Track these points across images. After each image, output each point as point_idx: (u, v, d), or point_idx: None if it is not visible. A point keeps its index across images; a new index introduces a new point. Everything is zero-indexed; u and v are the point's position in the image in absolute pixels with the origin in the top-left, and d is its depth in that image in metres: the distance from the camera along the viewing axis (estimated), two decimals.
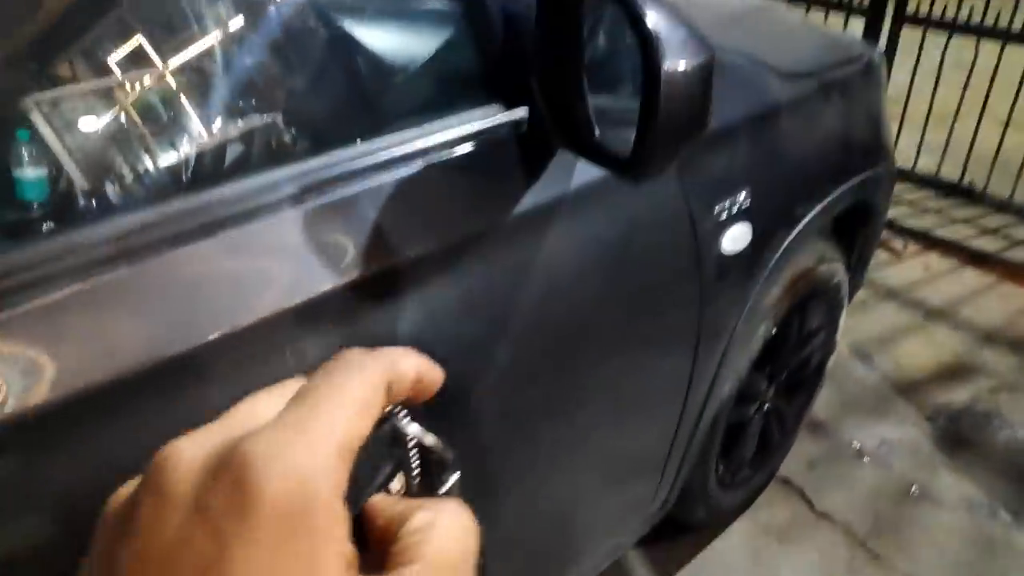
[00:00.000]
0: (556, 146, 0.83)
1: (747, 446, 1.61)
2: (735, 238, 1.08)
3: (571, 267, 0.88)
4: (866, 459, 1.86)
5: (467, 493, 0.32)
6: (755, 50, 1.21)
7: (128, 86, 1.28)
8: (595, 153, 0.73)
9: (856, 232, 1.68)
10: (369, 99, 0.91)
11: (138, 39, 1.48)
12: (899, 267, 2.59)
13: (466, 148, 0.78)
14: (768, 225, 1.16)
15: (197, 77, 1.13)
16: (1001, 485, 1.78)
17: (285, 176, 0.67)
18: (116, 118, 1.29)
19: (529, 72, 0.77)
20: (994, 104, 2.66)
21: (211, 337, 0.58)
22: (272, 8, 1.11)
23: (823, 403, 2.00)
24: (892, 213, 2.83)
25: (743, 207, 1.08)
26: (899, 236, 2.72)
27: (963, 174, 2.85)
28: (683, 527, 1.63)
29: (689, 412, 1.21)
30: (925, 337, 2.26)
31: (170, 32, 1.49)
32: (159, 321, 0.56)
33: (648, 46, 0.59)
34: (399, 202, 0.73)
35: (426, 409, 0.30)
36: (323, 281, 0.66)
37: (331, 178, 0.68)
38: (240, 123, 0.99)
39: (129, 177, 0.77)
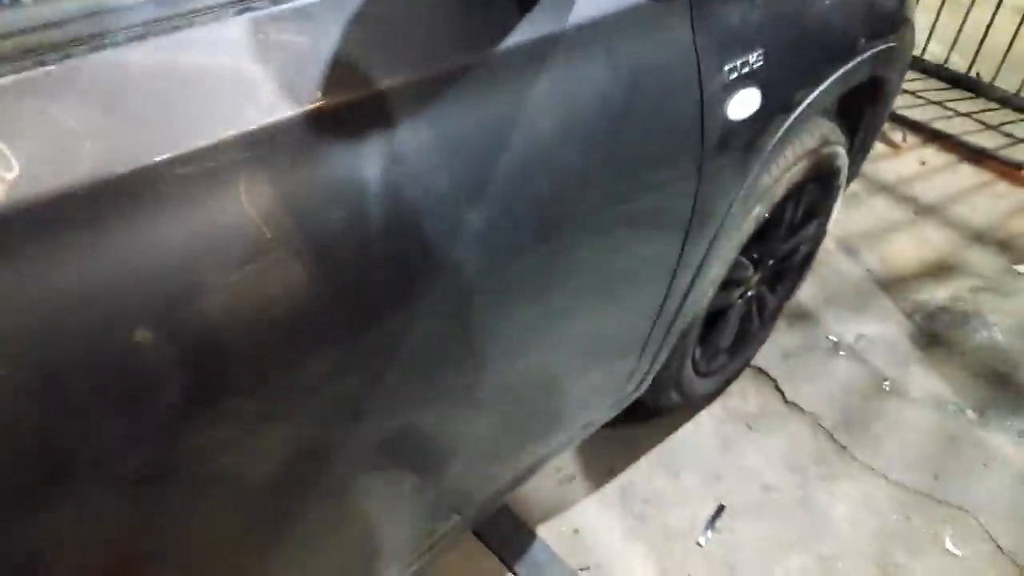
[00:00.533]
0: None
1: (726, 333, 1.57)
2: (743, 103, 0.97)
3: (562, 116, 0.77)
4: (841, 353, 1.84)
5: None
6: None
7: None
8: None
9: (863, 113, 1.57)
10: None
11: None
12: (895, 160, 2.50)
13: None
14: (778, 93, 1.05)
15: None
16: (971, 384, 1.78)
17: None
18: None
19: None
20: None
21: (158, 159, 0.49)
22: None
23: (804, 295, 1.96)
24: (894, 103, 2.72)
25: (755, 69, 0.97)
26: (899, 128, 2.60)
27: (971, 65, 2.71)
28: (654, 411, 1.61)
29: (674, 292, 1.14)
30: (913, 234, 2.20)
31: None
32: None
33: None
34: (373, 22, 0.61)
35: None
36: (280, 107, 0.55)
37: None
38: None
39: None
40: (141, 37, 0.51)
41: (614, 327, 1.11)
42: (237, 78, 0.54)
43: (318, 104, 0.57)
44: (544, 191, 0.80)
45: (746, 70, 0.95)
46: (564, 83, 0.76)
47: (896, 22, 1.35)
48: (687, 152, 0.94)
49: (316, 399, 0.68)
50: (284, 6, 0.57)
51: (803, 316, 1.92)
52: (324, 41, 0.59)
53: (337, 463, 0.78)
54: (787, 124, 1.11)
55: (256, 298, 0.58)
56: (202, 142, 0.52)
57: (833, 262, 2.08)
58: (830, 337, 1.88)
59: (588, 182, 0.84)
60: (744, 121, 0.99)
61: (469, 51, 0.67)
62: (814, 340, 1.87)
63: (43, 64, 0.47)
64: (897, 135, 2.57)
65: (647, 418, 1.63)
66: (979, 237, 2.19)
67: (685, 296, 1.18)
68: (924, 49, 2.81)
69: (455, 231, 0.72)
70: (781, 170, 1.26)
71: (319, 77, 0.58)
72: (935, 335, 1.90)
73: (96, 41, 0.50)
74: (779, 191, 1.30)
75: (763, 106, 1.00)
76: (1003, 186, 2.39)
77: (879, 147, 2.54)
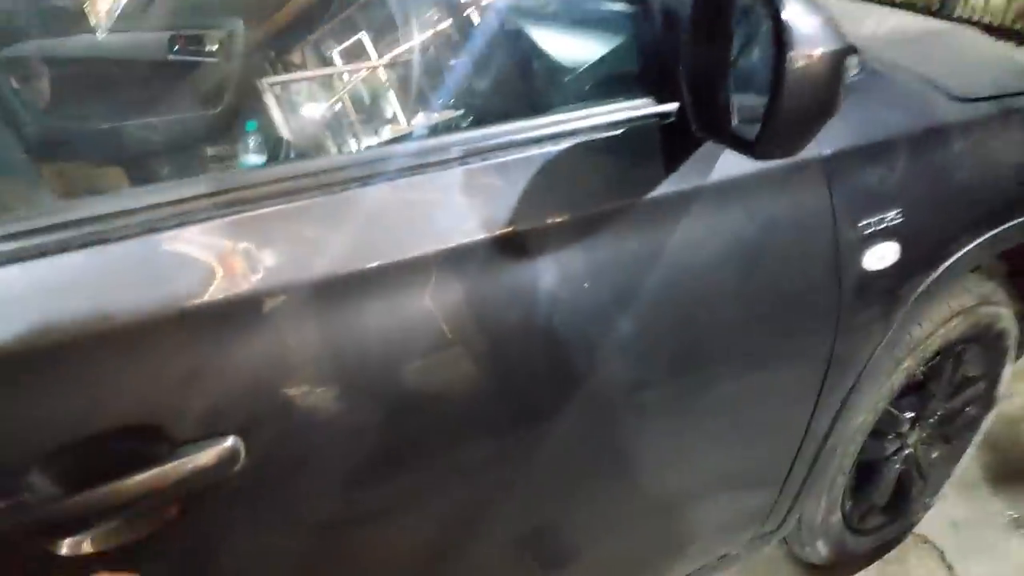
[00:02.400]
0: (700, 139, 0.87)
1: (880, 488, 1.53)
2: (880, 256, 1.05)
3: (703, 258, 0.91)
4: (1020, 533, 1.70)
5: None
6: (929, 70, 1.18)
7: (346, 76, 1.49)
8: (730, 138, 0.77)
9: None
10: (541, 87, 1.02)
11: (360, 36, 1.69)
12: None
13: (616, 132, 0.84)
14: (918, 248, 1.12)
15: (403, 71, 1.30)
16: None
17: (464, 139, 0.77)
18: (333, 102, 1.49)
19: (680, 67, 0.83)
20: None
21: (374, 264, 0.70)
22: (464, 14, 1.26)
23: (981, 464, 1.85)
24: None
25: (893, 224, 1.06)
26: None
27: None
28: (806, 565, 1.58)
29: (814, 433, 1.18)
30: None
31: (380, 33, 1.69)
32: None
33: (778, 33, 0.63)
34: (551, 172, 0.81)
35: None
36: (474, 231, 0.75)
37: (502, 144, 0.78)
38: (432, 107, 1.13)
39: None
40: (389, 179, 0.74)
41: (751, 460, 1.18)
42: (451, 209, 0.75)
43: (505, 231, 0.76)
44: (685, 325, 0.94)
45: (883, 225, 1.05)
46: (704, 228, 0.90)
47: None
48: (823, 294, 1.03)
49: (466, 485, 0.83)
50: (490, 161, 0.78)
51: (978, 486, 1.80)
52: (515, 187, 0.79)
53: (474, 550, 0.91)
54: (931, 279, 1.16)
55: (430, 384, 0.76)
56: (413, 254, 0.72)
57: (1018, 433, 1.95)
58: (1009, 513, 1.74)
59: (725, 314, 0.96)
60: (881, 272, 1.07)
61: (623, 197, 0.85)
62: (990, 514, 1.74)
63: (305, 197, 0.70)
64: None
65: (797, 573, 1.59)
66: None
67: (825, 437, 1.21)
68: None
69: (603, 349, 0.87)
70: (933, 325, 1.29)
71: (508, 211, 0.77)
72: None
73: (351, 182, 0.72)
74: (932, 346, 1.32)
75: (902, 259, 1.08)
76: None
77: None
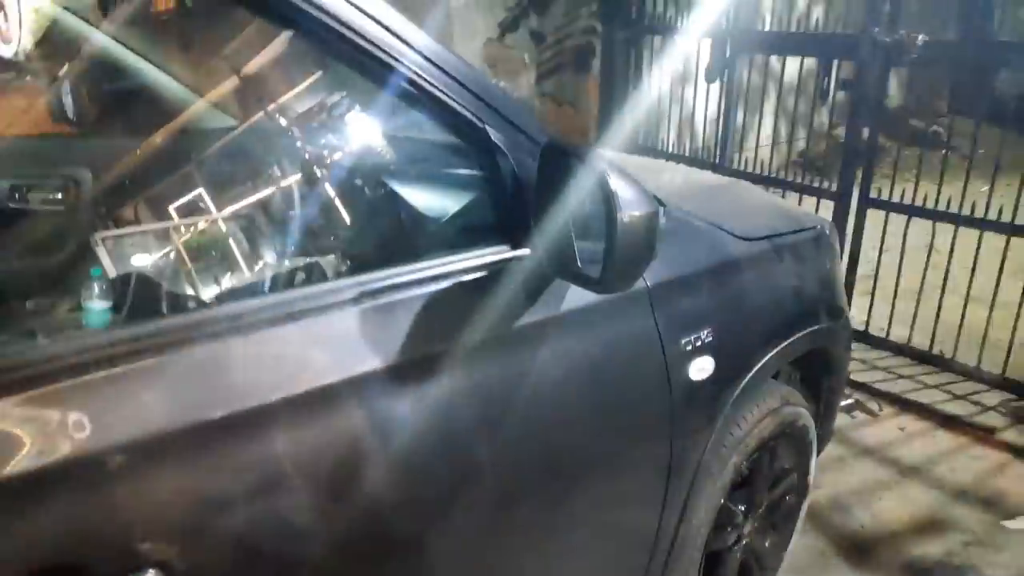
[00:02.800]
0: (550, 278, 1.05)
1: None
2: (700, 368, 1.27)
3: (559, 376, 1.07)
4: None
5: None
6: (718, 216, 1.48)
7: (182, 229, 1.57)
8: (577, 277, 0.95)
9: (821, 381, 1.87)
10: (408, 238, 1.17)
11: (198, 191, 1.80)
12: (875, 427, 2.74)
13: (479, 275, 1.00)
14: (729, 360, 1.36)
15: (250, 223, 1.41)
16: None
17: (343, 286, 0.89)
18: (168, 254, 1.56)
19: (531, 220, 1.02)
20: (956, 279, 2.93)
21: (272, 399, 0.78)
22: (325, 169, 1.41)
23: (803, 550, 2.09)
24: (868, 378, 3.03)
25: (707, 342, 1.29)
26: (874, 399, 2.89)
27: (931, 343, 3.07)
28: None
29: (665, 529, 1.34)
30: (900, 493, 2.37)
31: (228, 187, 1.81)
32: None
33: (609, 199, 0.83)
34: (426, 311, 0.94)
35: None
36: (362, 364, 0.86)
37: (380, 289, 0.90)
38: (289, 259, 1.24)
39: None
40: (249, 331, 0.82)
41: (612, 559, 1.30)
42: (328, 348, 0.85)
43: (391, 362, 0.88)
44: (543, 440, 1.08)
45: (699, 343, 1.27)
46: (558, 350, 1.07)
47: (827, 307, 1.71)
48: (660, 405, 1.22)
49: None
50: (365, 304, 0.90)
51: (803, 569, 2.03)
52: (391, 327, 0.91)
53: None
54: (742, 385, 1.40)
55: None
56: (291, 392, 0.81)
57: (827, 518, 2.23)
58: None
59: (580, 422, 1.12)
60: (703, 382, 1.29)
61: (493, 329, 0.99)
62: None
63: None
64: (874, 405, 2.85)
65: None
66: (963, 495, 2.35)
67: (675, 533, 1.37)
68: (888, 332, 3.20)
69: (473, 467, 0.99)
70: (750, 425, 1.52)
71: (394, 345, 0.89)
72: None
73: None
74: (751, 443, 1.55)
75: (717, 370, 1.31)
76: (979, 449, 2.60)
77: (859, 416, 2.80)
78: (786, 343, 1.52)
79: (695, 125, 4.20)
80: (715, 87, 4.00)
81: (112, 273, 1.46)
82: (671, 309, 1.24)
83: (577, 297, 1.08)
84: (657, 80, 4.16)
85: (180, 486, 0.73)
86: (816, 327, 1.64)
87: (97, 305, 1.25)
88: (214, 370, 0.77)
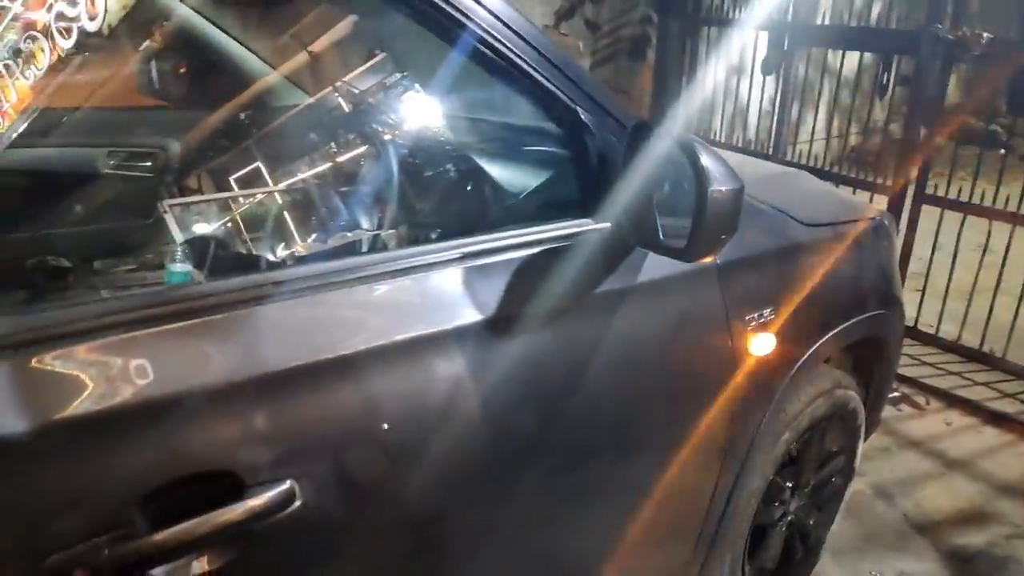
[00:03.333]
0: (626, 251, 1.13)
1: (771, 552, 1.77)
2: (762, 344, 1.34)
3: (632, 341, 1.15)
4: None
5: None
6: (782, 203, 1.54)
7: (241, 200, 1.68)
8: (660, 247, 1.03)
9: (872, 368, 1.92)
10: (494, 210, 1.26)
11: (257, 165, 1.91)
12: (922, 421, 2.77)
13: (564, 244, 1.08)
14: (789, 339, 1.42)
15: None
16: None
17: (447, 247, 0.98)
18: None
19: (612, 195, 1.10)
20: (1009, 280, 2.93)
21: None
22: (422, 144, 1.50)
23: (846, 534, 2.14)
24: (915, 372, 3.05)
25: (769, 320, 1.36)
26: (922, 393, 2.91)
27: (982, 342, 3.07)
28: None
29: (719, 495, 1.42)
30: (945, 484, 2.40)
31: (287, 161, 1.92)
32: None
33: (700, 174, 0.91)
34: (517, 275, 1.03)
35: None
36: (456, 317, 0.95)
37: (478, 252, 0.99)
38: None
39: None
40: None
41: (669, 518, 1.38)
42: (435, 302, 0.95)
43: (476, 320, 0.97)
44: (621, 402, 1.17)
45: (762, 320, 1.34)
46: (634, 318, 1.15)
47: (884, 295, 1.76)
48: (722, 375, 1.29)
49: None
50: (468, 264, 1.00)
51: (846, 552, 2.08)
52: (493, 286, 1.00)
53: None
54: (799, 364, 1.47)
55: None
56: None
57: (870, 505, 2.28)
58: (872, 572, 2.02)
59: (653, 397, 1.20)
60: (764, 358, 1.36)
61: (575, 295, 1.08)
62: (858, 574, 2.02)
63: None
64: (921, 399, 2.87)
65: None
66: (1009, 490, 2.37)
67: (728, 500, 1.45)
68: (937, 329, 3.20)
69: (558, 423, 1.08)
70: (803, 403, 1.59)
71: (481, 305, 0.98)
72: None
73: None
74: (804, 422, 1.61)
75: (777, 347, 1.38)
76: None
77: (906, 409, 2.83)
78: (842, 327, 1.57)
79: (748, 117, 4.22)
80: (769, 80, 4.01)
81: (178, 237, 1.57)
82: (737, 286, 1.31)
83: (651, 269, 1.16)
84: (711, 71, 4.19)
85: (304, 416, 0.83)
86: (872, 314, 1.69)
87: (178, 268, 1.37)
88: (340, 314, 0.87)
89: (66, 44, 1.17)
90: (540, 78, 1.04)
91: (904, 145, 3.31)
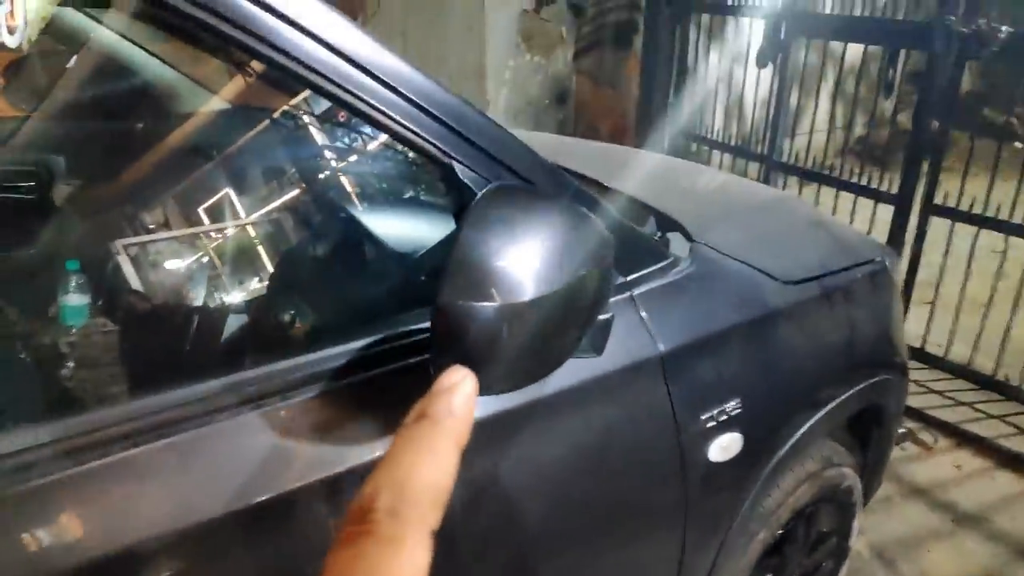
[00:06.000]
0: None
1: None
2: (724, 447, 1.05)
3: (548, 471, 0.87)
4: None
5: None
6: (758, 253, 1.24)
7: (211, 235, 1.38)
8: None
9: (870, 432, 1.63)
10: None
11: (225, 193, 1.59)
12: (929, 463, 2.47)
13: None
14: (762, 433, 1.13)
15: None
16: None
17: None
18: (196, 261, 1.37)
19: None
20: None
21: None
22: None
23: None
24: (922, 402, 2.75)
25: (733, 415, 1.06)
26: (929, 429, 2.61)
27: (996, 367, 2.77)
28: None
29: None
30: (953, 545, 2.11)
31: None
32: None
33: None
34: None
35: None
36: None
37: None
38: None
39: None
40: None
41: None
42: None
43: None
44: (539, 528, 0.88)
45: (724, 417, 1.05)
46: (545, 441, 0.86)
47: (883, 357, 1.46)
48: (669, 494, 1.01)
49: None
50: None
51: None
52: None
53: None
54: (778, 457, 1.18)
55: None
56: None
57: (869, 571, 2.00)
58: None
59: (576, 520, 0.92)
60: (727, 463, 1.06)
61: None
62: None
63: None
64: (928, 436, 2.57)
65: None
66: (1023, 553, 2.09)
67: None
68: (947, 351, 2.90)
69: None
70: (783, 495, 1.30)
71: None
72: None
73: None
74: (784, 514, 1.32)
75: (746, 448, 1.08)
76: None
77: (912, 449, 2.53)
78: (834, 404, 1.28)
79: (744, 109, 3.89)
80: (768, 70, 3.68)
81: (136, 283, 1.31)
82: (690, 379, 1.02)
83: (571, 373, 0.87)
84: (704, 61, 3.85)
85: None
86: (870, 381, 1.39)
87: (74, 301, 1.14)
88: None
89: None
90: (392, 121, 0.74)
91: (913, 145, 2.97)
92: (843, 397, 1.30)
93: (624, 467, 0.96)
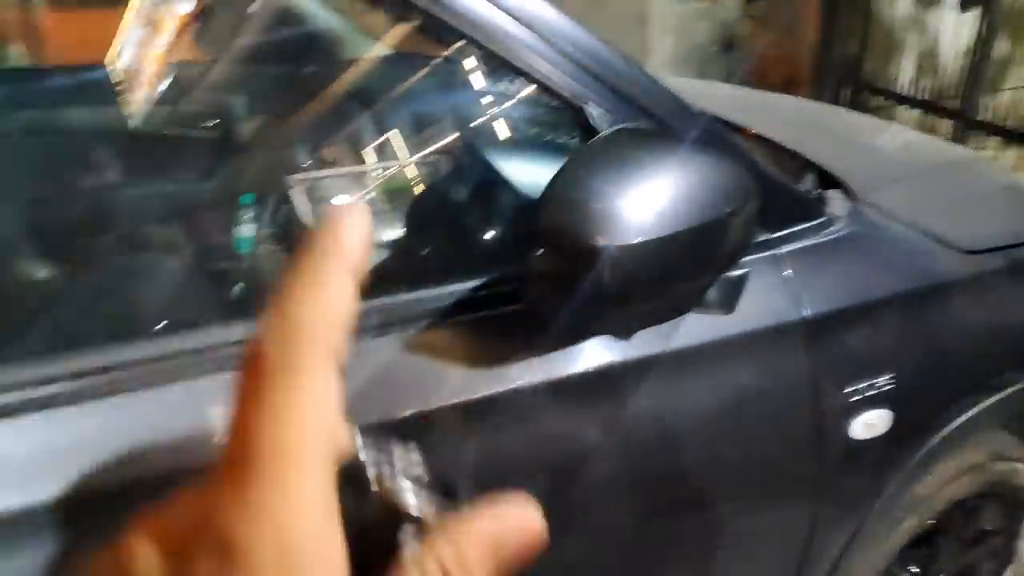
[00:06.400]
0: None
1: None
2: (870, 424, 0.97)
3: (672, 429, 0.84)
4: None
5: None
6: (933, 218, 1.11)
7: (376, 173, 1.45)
8: None
9: None
10: None
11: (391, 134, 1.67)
12: None
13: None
14: (917, 414, 1.03)
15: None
16: None
17: None
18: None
19: None
20: None
21: None
22: None
23: None
24: None
25: (884, 390, 0.97)
26: None
27: None
28: None
29: None
30: None
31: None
32: None
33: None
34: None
35: None
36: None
37: None
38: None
39: None
40: None
41: None
42: None
43: None
44: (655, 487, 0.87)
45: (873, 392, 0.96)
46: (669, 397, 0.84)
47: None
48: (802, 466, 0.95)
49: None
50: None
51: None
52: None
53: None
54: (934, 442, 1.07)
55: None
56: None
57: None
58: None
59: (697, 482, 0.89)
60: (872, 441, 0.98)
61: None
62: None
63: None
64: None
65: None
66: None
67: None
68: None
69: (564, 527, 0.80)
70: (937, 483, 1.19)
71: None
72: None
73: None
74: (937, 505, 1.21)
75: (895, 427, 0.99)
76: None
77: None
78: (1007, 393, 1.14)
79: (938, 59, 3.49)
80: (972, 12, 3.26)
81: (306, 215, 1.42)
82: (836, 348, 0.94)
83: (701, 330, 0.83)
84: (892, 2, 3.47)
85: None
86: None
87: (246, 232, 1.24)
88: None
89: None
90: (532, 68, 0.72)
91: None
92: (1020, 386, 1.15)
93: (754, 433, 0.91)
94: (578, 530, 0.81)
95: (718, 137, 0.84)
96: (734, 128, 1.37)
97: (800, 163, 1.26)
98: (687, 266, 0.61)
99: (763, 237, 0.92)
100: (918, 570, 1.36)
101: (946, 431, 1.07)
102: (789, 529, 0.99)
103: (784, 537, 0.99)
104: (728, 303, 0.74)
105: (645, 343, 0.80)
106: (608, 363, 0.78)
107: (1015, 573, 1.53)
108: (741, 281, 0.74)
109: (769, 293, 0.90)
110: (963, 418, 1.08)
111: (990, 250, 1.11)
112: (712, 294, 0.74)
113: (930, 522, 1.27)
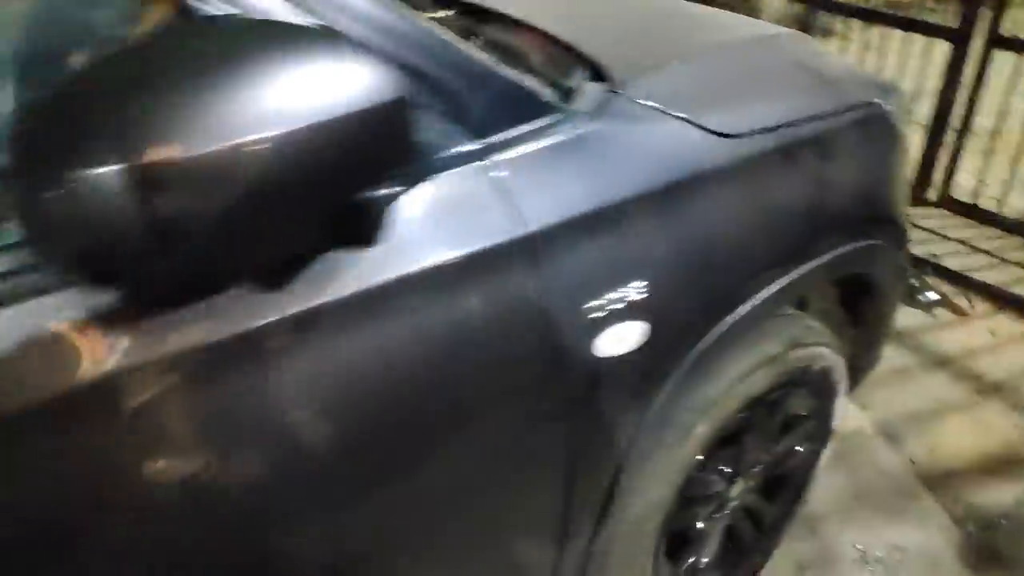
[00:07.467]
0: None
1: (706, 550, 1.39)
2: (618, 338, 0.89)
3: (386, 366, 0.73)
4: (869, 568, 1.59)
5: None
6: (700, 104, 1.01)
7: None
8: None
9: (860, 306, 1.42)
10: None
11: None
12: (960, 331, 2.24)
13: None
14: (680, 318, 0.96)
15: None
16: None
17: None
18: None
19: None
20: None
21: None
22: None
23: (831, 491, 1.74)
24: (964, 263, 2.48)
25: (636, 301, 0.89)
26: (965, 292, 2.36)
27: None
28: None
29: (574, 537, 1.02)
30: (974, 418, 1.93)
31: None
32: None
33: None
34: None
35: None
36: None
37: None
38: None
39: None
40: None
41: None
42: None
43: None
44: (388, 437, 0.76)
45: (618, 305, 0.87)
46: (366, 346, 0.72)
47: (868, 221, 1.23)
48: (544, 403, 0.86)
49: None
50: None
51: (826, 518, 1.69)
52: None
53: None
54: (706, 345, 1.01)
55: None
56: None
57: (869, 450, 1.85)
58: (857, 546, 1.63)
59: (419, 432, 0.79)
60: (625, 356, 0.90)
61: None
62: (837, 549, 1.63)
63: None
64: (963, 301, 2.32)
65: None
66: None
67: (592, 538, 1.05)
68: (1002, 203, 2.57)
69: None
70: (727, 383, 1.14)
71: None
72: (993, 550, 1.61)
73: None
74: (731, 405, 1.17)
75: (652, 337, 0.91)
76: None
77: (944, 315, 2.29)
78: (786, 281, 1.08)
79: None
80: None
81: None
82: (571, 262, 0.84)
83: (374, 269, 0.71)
84: None
85: None
86: (845, 249, 1.18)
87: None
88: None
89: None
90: None
91: None
92: (802, 270, 1.09)
93: (480, 373, 0.80)
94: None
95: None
96: (508, 22, 1.23)
97: (573, 56, 1.13)
98: (256, 200, 0.48)
99: (470, 146, 0.79)
100: (730, 468, 1.34)
101: (720, 330, 1.00)
102: (546, 465, 0.91)
103: (542, 473, 0.92)
104: (364, 236, 0.61)
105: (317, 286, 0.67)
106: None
107: (834, 451, 1.55)
108: (374, 207, 0.62)
109: (482, 210, 0.78)
110: (739, 314, 1.01)
111: (754, 133, 1.02)
112: (330, 229, 0.61)
113: (729, 423, 1.23)
